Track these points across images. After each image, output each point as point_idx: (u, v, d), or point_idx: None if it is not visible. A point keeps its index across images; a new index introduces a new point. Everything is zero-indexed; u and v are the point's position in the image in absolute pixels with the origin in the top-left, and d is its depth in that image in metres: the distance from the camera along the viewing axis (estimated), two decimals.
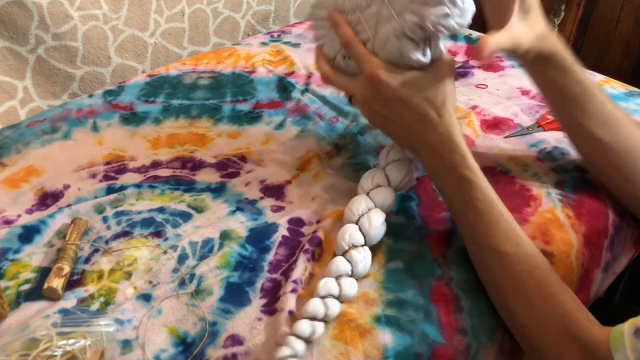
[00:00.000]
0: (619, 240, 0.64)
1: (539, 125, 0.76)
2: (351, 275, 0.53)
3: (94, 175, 0.71)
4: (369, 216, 0.56)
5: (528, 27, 0.56)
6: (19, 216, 0.64)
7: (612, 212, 0.63)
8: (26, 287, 0.55)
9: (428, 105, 0.53)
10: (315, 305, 0.49)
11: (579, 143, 0.64)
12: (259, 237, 0.60)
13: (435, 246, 0.58)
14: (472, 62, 0.96)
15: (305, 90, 0.88)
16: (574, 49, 1.57)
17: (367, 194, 0.59)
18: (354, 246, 0.55)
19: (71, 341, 0.47)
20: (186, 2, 1.04)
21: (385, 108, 0.55)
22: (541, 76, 0.61)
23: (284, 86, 0.89)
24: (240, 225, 0.62)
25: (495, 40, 0.52)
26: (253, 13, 1.17)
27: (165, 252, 0.59)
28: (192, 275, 0.55)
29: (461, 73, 0.92)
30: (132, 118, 0.82)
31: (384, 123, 0.57)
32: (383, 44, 0.53)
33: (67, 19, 0.87)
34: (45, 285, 0.53)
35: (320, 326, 0.49)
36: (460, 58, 0.98)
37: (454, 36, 1.05)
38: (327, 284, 0.51)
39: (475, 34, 1.06)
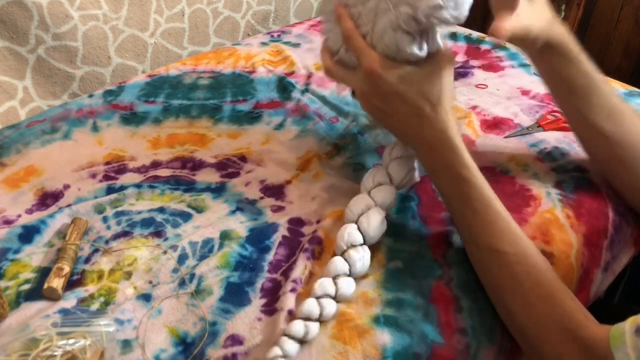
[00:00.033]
0: (619, 240, 0.64)
1: (539, 125, 0.76)
2: (349, 275, 0.53)
3: (94, 175, 0.71)
4: (367, 215, 0.56)
5: (535, 14, 0.55)
6: (19, 216, 0.64)
7: (612, 212, 0.63)
8: (26, 287, 0.55)
9: (424, 100, 0.52)
10: (309, 306, 0.49)
11: (583, 136, 0.63)
12: (259, 237, 0.60)
13: (435, 246, 0.58)
14: (472, 62, 0.96)
15: (305, 90, 0.88)
16: None
17: (369, 192, 0.59)
18: (353, 246, 0.55)
19: (71, 341, 0.47)
20: (186, 2, 1.04)
21: (383, 103, 0.54)
22: (547, 66, 0.60)
23: (284, 86, 0.89)
24: (240, 225, 0.62)
25: (509, 24, 0.51)
26: (253, 13, 1.17)
27: (165, 252, 0.59)
28: (192, 275, 0.55)
29: (461, 73, 0.92)
30: (132, 118, 0.82)
31: (382, 118, 0.56)
32: (380, 38, 0.53)
33: (67, 19, 0.87)
34: (45, 285, 0.53)
35: (314, 326, 0.49)
36: (460, 58, 0.98)
37: (453, 36, 1.05)
38: (322, 284, 0.51)
39: (475, 34, 1.06)
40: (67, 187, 0.68)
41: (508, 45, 1.01)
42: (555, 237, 0.59)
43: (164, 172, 0.71)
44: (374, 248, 0.57)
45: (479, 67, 0.94)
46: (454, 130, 0.53)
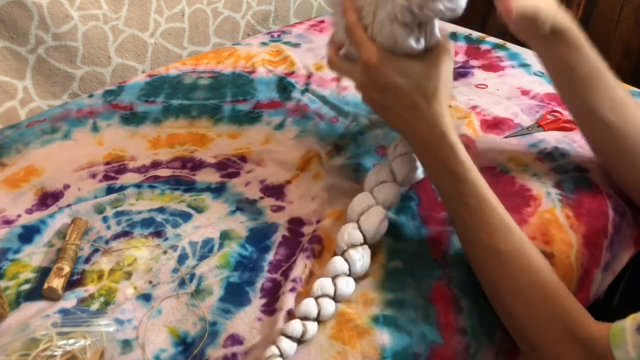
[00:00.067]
0: (619, 240, 0.64)
1: (539, 125, 0.76)
2: (349, 275, 0.53)
3: (94, 175, 0.71)
4: (368, 214, 0.56)
5: None
6: (19, 216, 0.64)
7: (612, 212, 0.63)
8: (26, 287, 0.55)
9: (419, 94, 0.52)
10: (307, 306, 0.50)
11: (586, 127, 0.63)
12: (259, 237, 0.60)
13: (435, 246, 0.58)
14: (472, 62, 0.96)
15: (305, 90, 0.88)
16: None
17: (371, 191, 0.58)
18: (353, 245, 0.55)
19: (71, 341, 0.47)
20: (186, 2, 1.04)
21: (380, 95, 0.54)
22: (553, 55, 0.60)
23: (284, 86, 0.89)
24: (240, 225, 0.62)
25: (519, 2, 0.51)
26: (253, 13, 1.17)
27: (165, 252, 0.59)
28: (192, 275, 0.55)
29: (461, 73, 0.92)
30: (132, 118, 0.82)
31: (380, 111, 0.56)
32: (380, 30, 0.52)
33: (67, 19, 0.87)
34: (45, 285, 0.53)
35: (312, 326, 0.49)
36: (460, 58, 0.98)
37: (453, 36, 1.05)
38: (321, 284, 0.51)
39: (475, 34, 1.06)
40: (67, 187, 0.68)
41: (509, 45, 1.01)
42: (555, 237, 0.59)
43: (164, 172, 0.71)
44: (374, 248, 0.57)
45: (479, 67, 0.94)
46: (449, 125, 0.52)
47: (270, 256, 0.58)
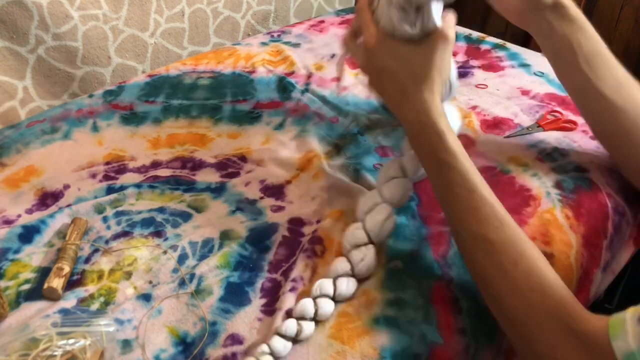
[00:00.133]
0: (618, 240, 0.64)
1: (539, 125, 0.76)
2: (352, 275, 0.53)
3: (94, 175, 0.71)
4: (373, 213, 0.55)
5: None
6: (19, 216, 0.64)
7: (612, 212, 0.63)
8: (26, 287, 0.55)
9: (410, 80, 0.51)
10: (303, 306, 0.50)
11: (590, 108, 0.62)
12: (259, 237, 0.60)
13: (435, 247, 0.58)
14: (472, 62, 0.96)
15: (305, 90, 0.88)
16: None
17: (380, 188, 0.58)
18: (357, 246, 0.54)
19: (71, 341, 0.47)
20: (186, 2, 1.04)
21: (376, 78, 0.54)
22: (554, 31, 0.59)
23: (284, 86, 0.89)
24: (240, 225, 0.62)
25: None
26: (253, 13, 1.17)
27: (165, 252, 0.59)
28: (192, 275, 0.55)
29: (461, 73, 0.92)
30: (132, 118, 0.82)
31: (379, 94, 0.56)
32: (382, 13, 0.52)
33: (67, 19, 0.87)
34: (45, 285, 0.53)
35: (308, 325, 0.49)
36: (460, 58, 0.98)
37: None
38: (320, 285, 0.52)
39: (475, 34, 1.06)
40: (67, 187, 0.68)
41: (509, 45, 1.01)
42: (555, 237, 0.59)
43: (164, 172, 0.71)
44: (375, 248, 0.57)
45: (479, 67, 0.94)
46: (438, 113, 0.51)
47: (270, 256, 0.58)
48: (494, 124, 0.77)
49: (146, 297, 0.53)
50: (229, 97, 0.87)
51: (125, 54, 0.99)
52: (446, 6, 0.52)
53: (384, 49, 0.52)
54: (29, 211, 0.65)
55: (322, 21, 1.15)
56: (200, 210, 0.64)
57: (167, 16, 1.02)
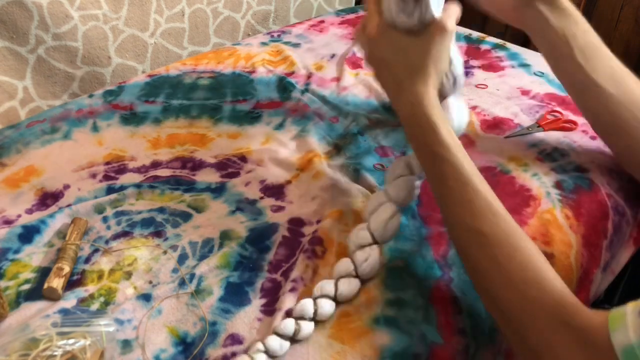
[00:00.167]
0: (618, 240, 0.64)
1: (539, 125, 0.76)
2: (356, 276, 0.53)
3: (94, 175, 0.71)
4: (377, 212, 0.55)
5: None
6: (19, 216, 0.64)
7: (612, 211, 0.63)
8: (26, 287, 0.55)
9: (405, 71, 0.51)
10: (303, 305, 0.50)
11: (586, 100, 0.62)
12: (259, 237, 0.60)
13: (435, 247, 0.58)
14: (472, 62, 0.96)
15: (305, 90, 0.88)
16: None
17: (386, 187, 0.57)
18: (361, 246, 0.54)
19: (71, 341, 0.47)
20: (186, 2, 1.04)
21: (376, 68, 0.54)
22: (548, 24, 0.59)
23: (284, 86, 0.89)
24: (240, 225, 0.62)
25: None
26: (253, 13, 1.17)
27: (165, 252, 0.59)
28: (192, 275, 0.55)
29: None
30: (132, 118, 0.82)
31: (380, 84, 0.56)
32: (384, 3, 0.52)
33: (67, 19, 0.87)
34: (45, 285, 0.53)
35: (307, 325, 0.49)
36: None
37: None
38: (322, 286, 0.52)
39: (475, 34, 1.06)
40: (67, 187, 0.68)
41: (509, 45, 1.01)
42: (555, 237, 0.59)
43: (164, 172, 0.71)
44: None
45: (479, 67, 0.94)
46: (431, 106, 0.50)
47: (270, 256, 0.58)
48: (494, 124, 0.77)
49: (146, 297, 0.53)
50: (229, 97, 0.87)
51: (125, 54, 0.99)
52: None
53: (384, 40, 0.52)
54: (29, 211, 0.65)
55: (322, 21, 1.15)
56: (200, 210, 0.64)
57: (167, 16, 1.02)
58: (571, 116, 0.77)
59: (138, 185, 0.68)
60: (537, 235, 0.59)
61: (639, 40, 1.54)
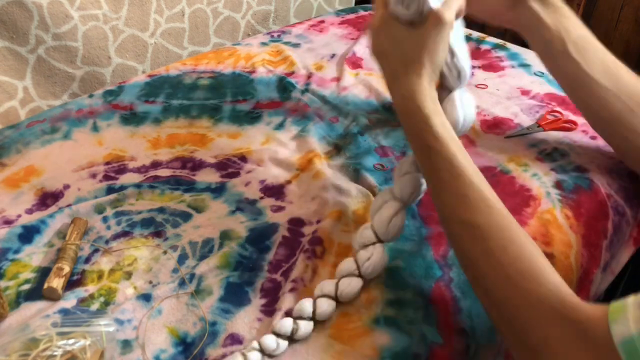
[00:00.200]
0: (618, 240, 0.64)
1: (539, 125, 0.76)
2: (359, 275, 0.53)
3: (94, 175, 0.71)
4: (381, 210, 0.54)
5: None
6: (19, 216, 0.64)
7: (612, 211, 0.63)
8: (26, 287, 0.55)
9: (401, 63, 0.51)
10: (302, 305, 0.50)
11: (582, 95, 0.62)
12: (259, 237, 0.60)
13: (435, 247, 0.58)
14: (472, 62, 0.96)
15: (305, 90, 0.88)
16: None
17: (393, 185, 0.56)
18: (365, 245, 0.54)
19: (71, 341, 0.47)
20: (186, 2, 1.04)
21: (378, 59, 0.54)
22: (541, 22, 0.60)
23: (284, 86, 0.89)
24: (240, 225, 0.62)
25: None
26: (253, 13, 1.17)
27: (165, 252, 0.59)
28: (192, 275, 0.55)
29: None
30: (132, 118, 0.82)
31: (383, 76, 0.56)
32: None
33: (67, 19, 0.87)
34: (45, 285, 0.53)
35: (305, 325, 0.49)
36: None
37: None
38: (322, 286, 0.52)
39: (475, 34, 1.06)
40: (67, 187, 0.68)
41: (509, 45, 1.01)
42: (555, 237, 0.59)
43: (164, 172, 0.71)
44: None
45: (479, 67, 0.94)
46: (424, 98, 0.50)
47: (270, 256, 0.58)
48: (494, 124, 0.77)
49: (146, 297, 0.53)
50: (229, 97, 0.87)
51: (125, 54, 0.99)
52: None
53: (385, 31, 0.52)
54: (29, 211, 0.65)
55: (322, 21, 1.15)
56: (200, 210, 0.64)
57: (167, 16, 1.02)
58: (571, 116, 0.77)
59: (138, 185, 0.68)
60: (537, 235, 0.59)
61: (639, 40, 1.54)
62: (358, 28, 1.11)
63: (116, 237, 0.61)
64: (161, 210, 0.64)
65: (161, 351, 0.49)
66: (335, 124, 0.80)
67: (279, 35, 1.09)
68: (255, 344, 0.47)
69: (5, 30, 0.83)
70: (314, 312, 0.50)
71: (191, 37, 1.08)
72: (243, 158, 0.73)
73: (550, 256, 0.57)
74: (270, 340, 0.47)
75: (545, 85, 0.86)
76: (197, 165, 0.72)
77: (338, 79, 0.91)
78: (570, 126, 0.75)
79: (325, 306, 0.50)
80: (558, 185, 0.65)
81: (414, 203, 0.56)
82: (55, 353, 0.45)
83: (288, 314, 0.51)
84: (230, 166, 0.72)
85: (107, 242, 0.60)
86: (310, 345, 0.49)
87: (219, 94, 0.88)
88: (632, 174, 0.67)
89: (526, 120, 0.78)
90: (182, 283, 0.55)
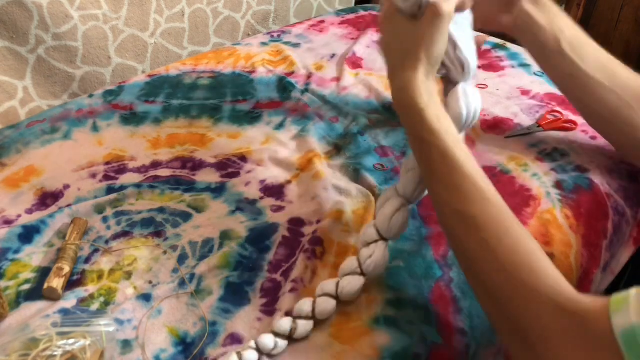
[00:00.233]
0: (618, 240, 0.64)
1: (539, 125, 0.76)
2: (361, 273, 0.52)
3: (94, 175, 0.71)
4: (383, 208, 0.54)
5: None
6: (19, 216, 0.64)
7: (612, 211, 0.63)
8: (26, 287, 0.55)
9: (399, 57, 0.51)
10: (301, 304, 0.50)
11: (578, 93, 0.62)
12: (259, 237, 0.60)
13: (435, 247, 0.58)
14: None
15: (305, 90, 0.88)
16: None
17: (397, 182, 0.55)
18: (367, 243, 0.53)
19: (71, 341, 0.47)
20: (186, 2, 1.04)
21: (383, 53, 0.54)
22: (536, 23, 0.61)
23: (284, 86, 0.89)
24: (240, 225, 0.62)
25: None
26: (253, 13, 1.17)
27: (165, 252, 0.59)
28: (192, 275, 0.55)
29: None
30: (132, 118, 0.82)
31: None
32: None
33: (67, 19, 0.87)
34: (45, 285, 0.53)
35: (304, 324, 0.49)
36: None
37: None
38: (323, 285, 0.52)
39: (475, 33, 1.06)
40: (67, 187, 0.68)
41: (509, 45, 1.01)
42: (555, 237, 0.59)
43: (164, 172, 0.71)
44: None
45: (479, 67, 0.94)
46: (419, 91, 0.50)
47: (270, 256, 0.58)
48: (494, 124, 0.77)
49: (146, 297, 0.53)
50: (229, 97, 0.87)
51: (125, 54, 0.99)
52: None
53: (389, 25, 0.52)
54: (29, 211, 0.65)
55: (322, 21, 1.15)
56: (200, 210, 0.65)
57: (167, 16, 1.02)
58: (571, 116, 0.77)
59: (138, 185, 0.68)
60: (537, 236, 0.59)
61: (639, 40, 1.54)
62: (358, 28, 1.11)
63: (116, 237, 0.61)
64: (161, 210, 0.64)
65: (161, 351, 0.49)
66: (335, 124, 0.80)
67: (279, 35, 1.09)
68: (252, 343, 0.47)
69: (5, 30, 0.83)
70: (313, 311, 0.50)
71: (191, 37, 1.08)
72: (243, 158, 0.73)
73: (550, 256, 0.56)
74: (267, 340, 0.47)
75: (545, 85, 0.86)
76: (197, 165, 0.72)
77: (338, 79, 0.90)
78: (570, 126, 0.75)
79: (325, 305, 0.50)
80: (558, 185, 0.65)
81: (418, 200, 0.56)
82: (55, 353, 0.46)
83: (288, 314, 0.51)
84: (230, 166, 0.72)
85: (107, 242, 0.60)
86: (310, 344, 0.49)
87: (219, 94, 0.88)
88: (632, 174, 0.67)
89: (526, 120, 0.78)
90: (182, 283, 0.55)
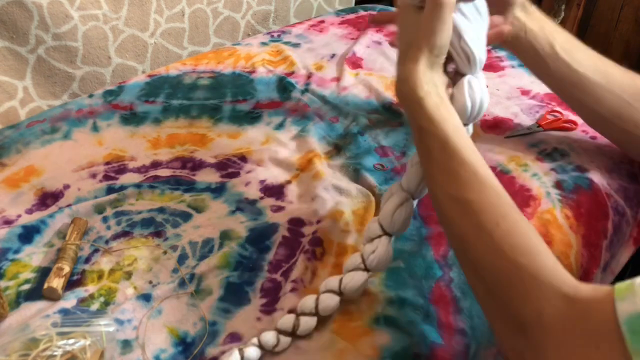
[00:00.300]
0: (618, 240, 0.64)
1: (539, 125, 0.76)
2: (364, 269, 0.52)
3: (94, 175, 0.71)
4: (387, 203, 0.53)
5: None
6: (19, 216, 0.64)
7: (612, 211, 0.63)
8: (26, 287, 0.55)
9: (403, 47, 0.51)
10: (305, 301, 0.50)
11: (575, 95, 0.63)
12: (259, 237, 0.60)
13: (435, 247, 0.58)
14: None
15: (305, 90, 0.88)
16: None
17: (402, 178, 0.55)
18: (371, 239, 0.53)
19: (71, 341, 0.47)
20: (186, 2, 1.04)
21: (397, 47, 0.54)
22: (528, 30, 0.61)
23: (284, 86, 0.89)
24: (240, 225, 0.62)
25: None
26: (253, 13, 1.17)
27: (165, 252, 0.59)
28: (192, 275, 0.55)
29: None
30: (132, 118, 0.82)
31: None
32: None
33: (67, 19, 0.87)
34: (45, 285, 0.53)
35: (307, 320, 0.49)
36: None
37: None
38: (327, 282, 0.52)
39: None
40: (67, 187, 0.68)
41: None
42: (555, 237, 0.59)
43: (164, 172, 0.71)
44: None
45: None
46: (419, 82, 0.49)
47: (270, 256, 0.58)
48: (494, 124, 0.77)
49: (146, 297, 0.53)
50: (229, 97, 0.87)
51: (125, 54, 0.99)
52: None
53: (400, 17, 0.52)
54: (29, 211, 0.65)
55: (322, 21, 1.15)
56: (200, 210, 0.65)
57: (167, 16, 1.02)
58: (571, 116, 0.77)
59: (138, 185, 0.68)
60: None
61: (639, 40, 1.54)
62: (358, 28, 1.11)
63: (116, 237, 0.61)
64: (161, 210, 0.64)
65: (161, 351, 0.49)
66: (335, 124, 0.80)
67: (279, 35, 1.08)
68: (254, 340, 0.47)
69: (5, 30, 0.83)
70: (316, 307, 0.50)
71: (191, 37, 1.08)
72: (243, 158, 0.73)
73: None
74: (269, 337, 0.47)
75: (545, 86, 0.86)
76: (197, 165, 0.72)
77: (338, 79, 0.90)
78: (570, 126, 0.75)
79: (329, 301, 0.50)
80: (558, 185, 0.65)
81: (422, 194, 0.55)
82: (55, 353, 0.46)
83: (291, 311, 0.51)
84: (230, 166, 0.72)
85: (107, 242, 0.60)
86: (313, 341, 0.49)
87: (219, 94, 0.88)
88: (632, 174, 0.67)
89: (526, 120, 0.78)
90: (182, 283, 0.55)
